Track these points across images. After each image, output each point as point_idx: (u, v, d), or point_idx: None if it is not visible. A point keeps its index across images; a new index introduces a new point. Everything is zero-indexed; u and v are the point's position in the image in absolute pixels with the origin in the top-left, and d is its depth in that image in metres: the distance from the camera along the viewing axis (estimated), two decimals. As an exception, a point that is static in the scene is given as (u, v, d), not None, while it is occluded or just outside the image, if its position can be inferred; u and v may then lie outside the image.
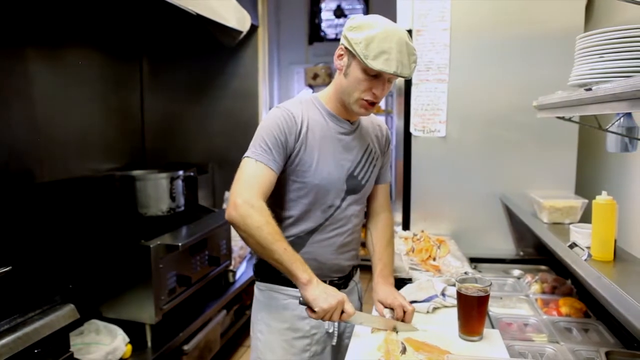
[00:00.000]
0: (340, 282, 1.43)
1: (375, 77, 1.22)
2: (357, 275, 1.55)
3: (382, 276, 1.44)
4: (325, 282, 1.34)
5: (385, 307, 1.35)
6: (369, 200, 1.51)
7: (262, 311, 1.41)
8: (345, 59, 1.26)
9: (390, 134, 1.54)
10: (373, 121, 1.49)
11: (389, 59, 1.17)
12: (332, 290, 1.20)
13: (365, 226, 1.54)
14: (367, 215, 1.53)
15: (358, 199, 1.40)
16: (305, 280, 1.19)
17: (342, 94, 1.29)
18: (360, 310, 1.58)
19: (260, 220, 1.18)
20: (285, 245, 1.20)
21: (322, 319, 1.19)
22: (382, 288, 1.40)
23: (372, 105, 1.28)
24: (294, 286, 1.23)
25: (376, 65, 1.17)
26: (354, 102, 1.27)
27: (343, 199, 1.36)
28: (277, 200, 1.34)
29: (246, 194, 1.20)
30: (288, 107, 1.31)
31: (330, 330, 1.40)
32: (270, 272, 1.35)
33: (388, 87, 1.26)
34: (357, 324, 1.30)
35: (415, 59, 1.24)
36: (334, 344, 1.40)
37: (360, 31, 1.20)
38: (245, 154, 1.27)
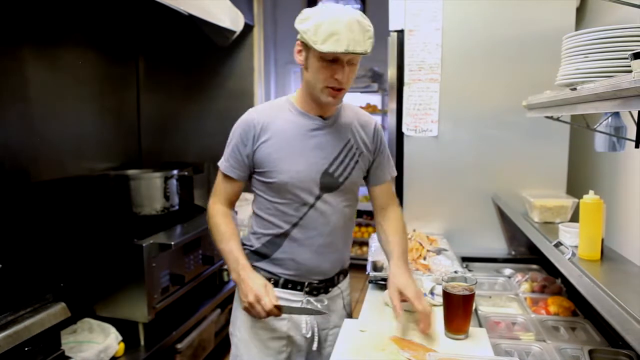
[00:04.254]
0: (321, 286, 1.40)
1: (333, 62, 1.21)
2: (344, 283, 1.49)
3: (401, 260, 1.36)
4: (303, 284, 1.37)
5: (402, 300, 1.26)
6: (372, 200, 1.50)
7: (240, 308, 1.38)
8: (304, 52, 1.26)
9: (382, 130, 1.48)
10: (360, 117, 1.44)
11: (339, 39, 1.16)
12: (249, 288, 1.25)
13: (375, 221, 1.52)
14: (374, 212, 1.51)
15: (339, 197, 1.36)
16: (233, 280, 1.33)
17: (309, 88, 1.30)
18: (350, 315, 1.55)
19: (210, 223, 1.39)
20: (225, 245, 1.34)
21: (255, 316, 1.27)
22: (402, 275, 1.31)
23: (339, 91, 1.26)
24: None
25: (325, 47, 1.16)
26: (321, 92, 1.26)
27: (318, 197, 1.33)
28: (256, 204, 1.41)
29: (210, 200, 1.41)
30: (251, 111, 1.38)
31: (308, 335, 1.38)
32: None
33: (351, 70, 1.24)
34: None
35: (371, 34, 1.20)
36: (314, 349, 1.39)
37: (308, 20, 1.20)
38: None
